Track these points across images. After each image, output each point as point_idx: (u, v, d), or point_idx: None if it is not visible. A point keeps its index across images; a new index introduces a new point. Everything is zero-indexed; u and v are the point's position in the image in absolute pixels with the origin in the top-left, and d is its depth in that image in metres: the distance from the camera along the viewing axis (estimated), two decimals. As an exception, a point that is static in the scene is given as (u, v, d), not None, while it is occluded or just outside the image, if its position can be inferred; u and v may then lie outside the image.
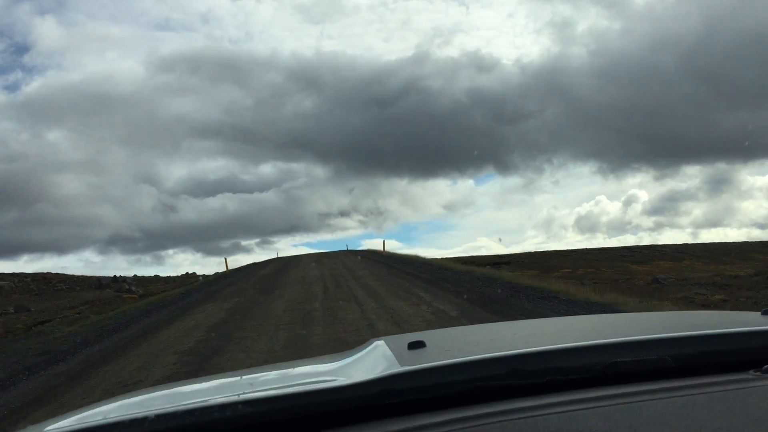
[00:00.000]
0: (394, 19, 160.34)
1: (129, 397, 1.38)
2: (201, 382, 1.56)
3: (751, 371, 1.09)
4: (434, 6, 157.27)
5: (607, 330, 1.54)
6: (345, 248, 45.19)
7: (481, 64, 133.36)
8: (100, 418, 1.10)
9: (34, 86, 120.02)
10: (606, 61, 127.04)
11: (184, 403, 1.07)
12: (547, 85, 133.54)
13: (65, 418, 1.20)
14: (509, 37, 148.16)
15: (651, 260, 36.36)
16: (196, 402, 1.07)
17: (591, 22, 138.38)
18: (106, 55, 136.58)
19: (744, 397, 0.98)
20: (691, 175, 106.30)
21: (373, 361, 1.26)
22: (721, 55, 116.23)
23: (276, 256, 42.08)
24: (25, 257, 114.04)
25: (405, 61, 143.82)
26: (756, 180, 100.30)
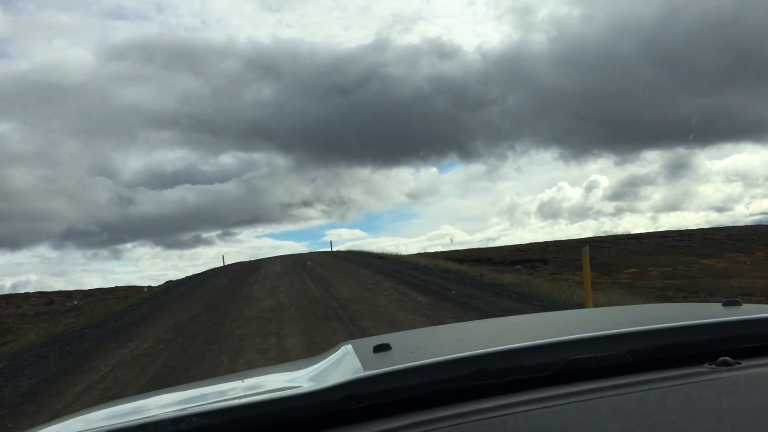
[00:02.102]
0: (354, 6, 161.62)
1: (85, 413, 1.38)
2: (162, 394, 1.55)
3: (705, 364, 1.09)
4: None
5: (569, 327, 1.52)
6: (329, 248, 39.09)
7: (442, 51, 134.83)
8: None
9: None
10: (566, 47, 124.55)
11: (136, 417, 1.08)
12: (509, 71, 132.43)
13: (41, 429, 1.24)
14: (470, 24, 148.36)
15: (719, 252, 29.57)
16: (150, 416, 1.07)
17: (551, 8, 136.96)
18: (54, 43, 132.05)
19: (698, 390, 0.99)
20: (651, 160, 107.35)
21: (338, 366, 1.26)
22: (680, 40, 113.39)
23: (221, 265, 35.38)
24: None
25: (365, 48, 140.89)
26: (714, 164, 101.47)
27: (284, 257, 34.12)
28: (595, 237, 47.21)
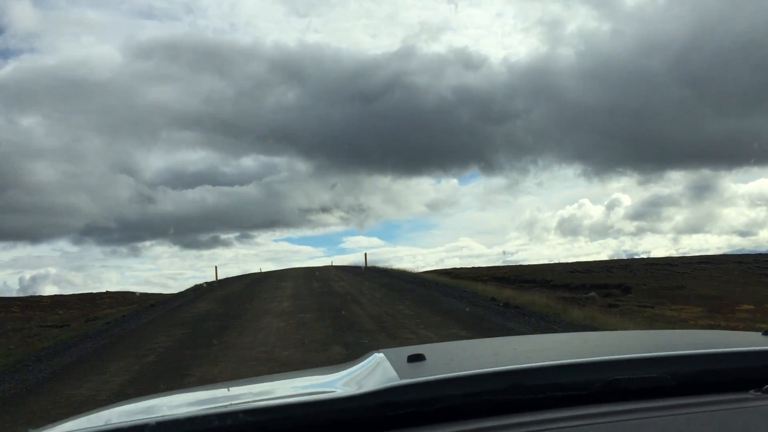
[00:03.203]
0: (381, 13, 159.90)
1: (131, 404, 1.43)
2: (201, 391, 1.61)
3: (751, 391, 1.08)
4: (423, 3, 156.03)
5: (608, 347, 1.54)
6: (361, 265, 31.58)
7: (468, 61, 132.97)
8: (102, 423, 1.14)
9: (7, 70, 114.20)
10: (594, 62, 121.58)
11: (184, 411, 1.16)
12: (534, 85, 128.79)
13: (66, 422, 1.24)
14: (497, 36, 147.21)
15: None
16: (197, 410, 1.12)
17: (580, 22, 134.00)
18: (82, 40, 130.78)
19: (743, 416, 0.99)
20: (675, 181, 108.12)
21: (372, 374, 1.26)
22: (710, 59, 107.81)
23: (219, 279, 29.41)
24: None
25: (391, 55, 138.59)
26: (739, 187, 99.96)
27: (299, 274, 27.61)
28: (658, 258, 41.27)
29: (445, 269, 38.86)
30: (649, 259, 40.51)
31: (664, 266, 33.26)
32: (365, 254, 32.84)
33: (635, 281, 24.08)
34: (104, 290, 36.66)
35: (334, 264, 38.28)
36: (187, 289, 24.48)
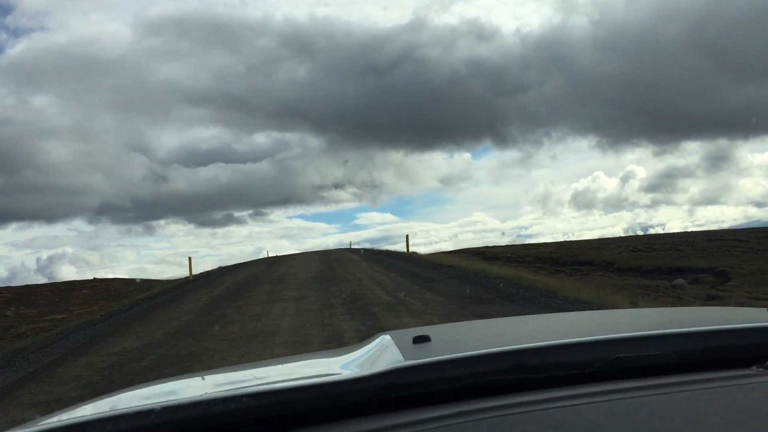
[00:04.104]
0: None
1: (136, 389, 1.40)
2: (205, 376, 1.57)
3: (753, 367, 1.08)
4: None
5: (610, 325, 1.53)
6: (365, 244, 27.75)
7: (480, 32, 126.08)
8: (107, 409, 1.14)
9: (18, 49, 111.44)
10: (608, 31, 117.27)
11: (189, 395, 1.10)
12: (548, 56, 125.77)
13: (74, 410, 1.22)
14: (509, 6, 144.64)
15: None
16: (201, 395, 1.08)
17: None
18: (91, 17, 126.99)
19: (746, 392, 0.98)
20: (691, 151, 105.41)
21: (378, 355, 1.25)
22: (727, 26, 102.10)
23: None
24: (13, 225, 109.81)
25: (402, 28, 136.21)
26: (755, 157, 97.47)
27: (311, 264, 21.80)
28: (719, 231, 36.10)
29: (475, 248, 34.07)
30: (709, 232, 35.28)
31: (731, 241, 28.18)
32: (406, 236, 27.64)
33: (721, 263, 19.14)
34: (91, 277, 33.40)
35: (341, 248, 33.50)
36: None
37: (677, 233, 37.20)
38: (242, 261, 33.58)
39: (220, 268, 28.16)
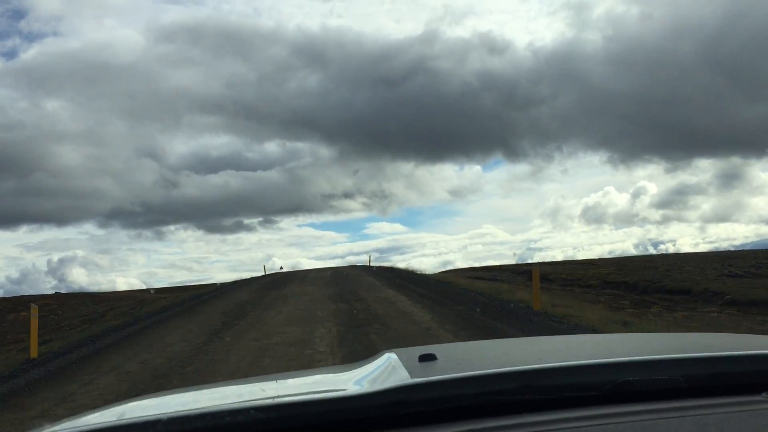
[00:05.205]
0: None
1: (143, 399, 1.43)
2: (213, 388, 1.57)
3: (763, 394, 1.08)
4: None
5: (619, 348, 1.53)
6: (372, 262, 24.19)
7: (492, 46, 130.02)
8: (114, 419, 1.14)
9: (31, 53, 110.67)
10: (622, 47, 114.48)
11: (196, 407, 1.11)
12: (560, 70, 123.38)
13: (80, 418, 1.22)
14: (523, 20, 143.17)
15: None
16: (209, 406, 1.09)
17: (608, 5, 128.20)
18: (104, 23, 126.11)
19: (755, 419, 0.98)
20: (703, 169, 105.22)
21: (384, 372, 1.26)
22: (742, 44, 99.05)
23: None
24: (24, 228, 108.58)
25: (414, 40, 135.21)
26: None
27: (319, 309, 13.66)
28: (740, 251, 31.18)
29: (514, 266, 29.31)
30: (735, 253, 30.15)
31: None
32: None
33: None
34: (53, 291, 29.69)
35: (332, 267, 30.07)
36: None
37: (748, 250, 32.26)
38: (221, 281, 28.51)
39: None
